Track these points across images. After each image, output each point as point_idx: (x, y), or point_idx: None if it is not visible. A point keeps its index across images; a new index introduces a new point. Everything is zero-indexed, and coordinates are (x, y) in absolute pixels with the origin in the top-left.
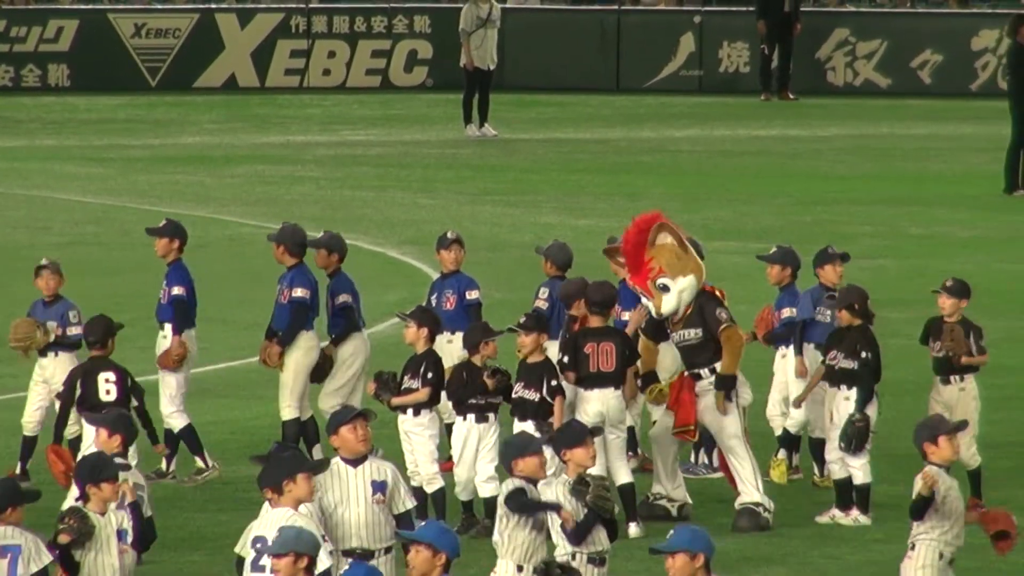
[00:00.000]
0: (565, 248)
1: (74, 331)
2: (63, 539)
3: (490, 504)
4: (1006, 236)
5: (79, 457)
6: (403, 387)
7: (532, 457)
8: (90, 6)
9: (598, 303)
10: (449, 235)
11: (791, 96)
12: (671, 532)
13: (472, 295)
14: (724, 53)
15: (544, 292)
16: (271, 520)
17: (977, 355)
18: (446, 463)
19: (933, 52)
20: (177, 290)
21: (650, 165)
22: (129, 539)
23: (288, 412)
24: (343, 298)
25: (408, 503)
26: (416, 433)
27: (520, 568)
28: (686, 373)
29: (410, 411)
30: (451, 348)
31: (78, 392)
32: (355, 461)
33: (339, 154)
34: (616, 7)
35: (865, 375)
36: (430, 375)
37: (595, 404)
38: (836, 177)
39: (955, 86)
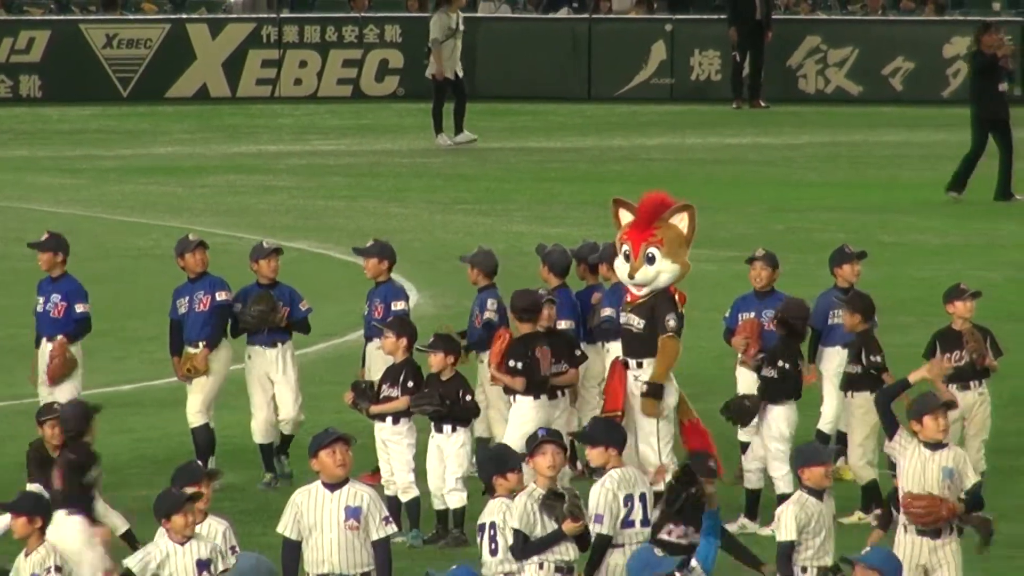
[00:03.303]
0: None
1: None
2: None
3: (458, 514)
4: (979, 243)
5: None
6: (382, 396)
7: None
8: (61, 17)
9: (524, 309)
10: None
11: (763, 104)
12: None
13: (398, 305)
14: (695, 61)
15: (492, 304)
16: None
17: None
18: None
19: (904, 59)
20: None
21: (622, 173)
22: None
23: (201, 418)
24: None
25: (383, 531)
26: (394, 442)
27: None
28: (619, 358)
29: (388, 419)
30: (379, 355)
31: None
32: (333, 486)
33: (311, 164)
34: (587, 16)
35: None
36: (410, 383)
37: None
38: (808, 184)
39: (927, 93)
